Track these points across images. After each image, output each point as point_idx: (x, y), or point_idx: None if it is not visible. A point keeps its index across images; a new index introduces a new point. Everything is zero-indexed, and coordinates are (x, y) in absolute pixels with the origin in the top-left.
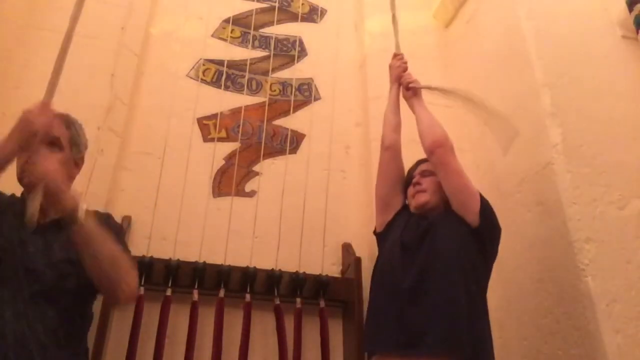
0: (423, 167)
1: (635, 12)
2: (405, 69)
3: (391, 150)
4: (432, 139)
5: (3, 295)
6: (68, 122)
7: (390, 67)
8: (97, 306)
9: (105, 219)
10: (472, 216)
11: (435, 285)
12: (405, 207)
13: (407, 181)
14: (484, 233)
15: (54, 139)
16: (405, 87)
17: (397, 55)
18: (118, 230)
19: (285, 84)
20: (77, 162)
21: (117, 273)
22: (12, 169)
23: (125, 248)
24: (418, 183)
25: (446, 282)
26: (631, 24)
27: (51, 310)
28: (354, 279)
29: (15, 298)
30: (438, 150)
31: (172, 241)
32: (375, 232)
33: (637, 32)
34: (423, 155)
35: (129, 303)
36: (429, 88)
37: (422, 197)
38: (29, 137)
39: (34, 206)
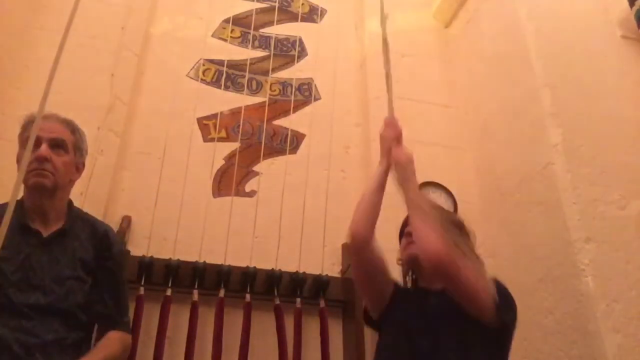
0: None
1: (636, 7)
2: (399, 140)
3: (365, 249)
4: (428, 256)
5: (6, 308)
6: (73, 127)
7: (381, 137)
8: None
9: (104, 233)
10: (488, 317)
11: None
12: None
13: (400, 231)
14: (504, 332)
15: (60, 141)
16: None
17: (389, 123)
18: (117, 254)
19: (285, 84)
20: (78, 167)
21: None
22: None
23: (123, 271)
24: (410, 234)
25: None
26: (631, 24)
27: (57, 322)
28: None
29: (21, 311)
30: (439, 267)
31: (172, 241)
32: (367, 317)
33: (639, 27)
34: (426, 157)
35: None
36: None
37: (413, 248)
38: None
39: None
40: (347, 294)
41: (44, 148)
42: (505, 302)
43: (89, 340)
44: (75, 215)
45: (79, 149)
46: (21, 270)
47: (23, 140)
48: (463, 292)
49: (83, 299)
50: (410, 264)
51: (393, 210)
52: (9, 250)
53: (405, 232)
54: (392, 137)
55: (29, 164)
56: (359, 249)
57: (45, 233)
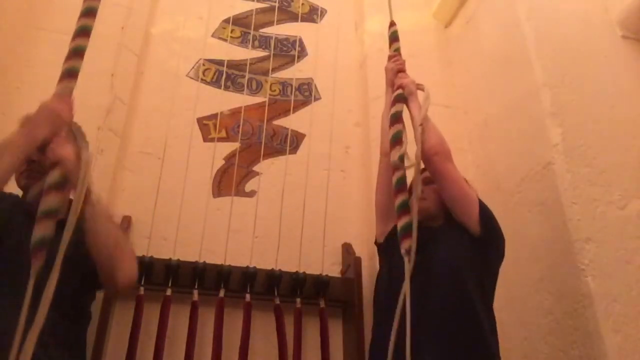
0: (426, 174)
1: None
2: (401, 70)
3: (389, 157)
4: (426, 147)
5: (6, 293)
6: None
7: (386, 69)
8: (96, 307)
9: None
10: (473, 224)
11: (437, 306)
12: None
13: (409, 190)
14: (486, 241)
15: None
16: (396, 88)
17: (392, 57)
18: None
19: (285, 84)
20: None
21: (120, 255)
22: None
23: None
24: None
25: (449, 304)
26: (631, 24)
27: (52, 309)
28: (354, 279)
29: (17, 295)
30: (434, 158)
31: (172, 241)
32: (375, 243)
33: None
34: None
35: (128, 290)
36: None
37: (423, 203)
38: (59, 128)
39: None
40: (347, 294)
41: None
42: (488, 215)
43: (83, 333)
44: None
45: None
46: (24, 253)
47: None
48: (451, 189)
49: (80, 282)
50: (420, 216)
51: None
52: (12, 232)
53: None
54: (395, 69)
55: (20, 166)
56: (386, 154)
57: None
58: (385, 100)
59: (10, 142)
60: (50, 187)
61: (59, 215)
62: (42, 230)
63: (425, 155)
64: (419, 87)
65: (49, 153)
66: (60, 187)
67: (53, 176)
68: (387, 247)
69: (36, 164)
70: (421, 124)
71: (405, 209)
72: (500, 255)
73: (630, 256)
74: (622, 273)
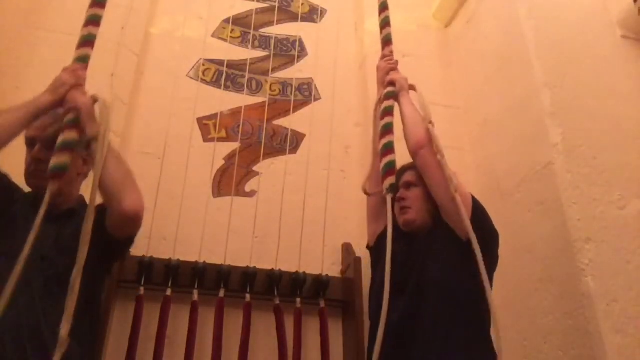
0: (406, 177)
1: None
2: (393, 69)
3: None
4: (414, 141)
5: (17, 284)
6: None
7: (377, 68)
8: None
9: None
10: (464, 226)
11: (425, 324)
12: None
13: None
14: (480, 247)
15: (56, 138)
16: (387, 84)
17: (385, 56)
18: None
19: (285, 84)
20: (85, 160)
21: (130, 184)
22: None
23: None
24: (402, 198)
25: (437, 322)
26: (631, 24)
27: (64, 298)
28: (354, 279)
29: (29, 286)
30: (421, 152)
31: (172, 241)
32: (368, 247)
33: None
34: None
35: (134, 221)
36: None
37: (407, 215)
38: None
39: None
40: (347, 294)
41: (36, 149)
42: (481, 215)
43: (93, 324)
44: (84, 206)
45: (82, 142)
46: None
47: (26, 141)
48: (439, 185)
49: (90, 269)
50: (406, 228)
51: None
52: (22, 227)
53: (397, 197)
54: (387, 68)
55: (29, 166)
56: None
57: (54, 212)
58: (377, 101)
59: (20, 105)
60: (68, 125)
61: (74, 146)
62: (58, 159)
63: (412, 149)
64: (411, 87)
65: (67, 99)
66: (75, 125)
67: (69, 117)
68: (379, 246)
69: (44, 164)
70: (430, 122)
71: (389, 149)
72: (495, 260)
73: (630, 256)
74: (622, 273)
